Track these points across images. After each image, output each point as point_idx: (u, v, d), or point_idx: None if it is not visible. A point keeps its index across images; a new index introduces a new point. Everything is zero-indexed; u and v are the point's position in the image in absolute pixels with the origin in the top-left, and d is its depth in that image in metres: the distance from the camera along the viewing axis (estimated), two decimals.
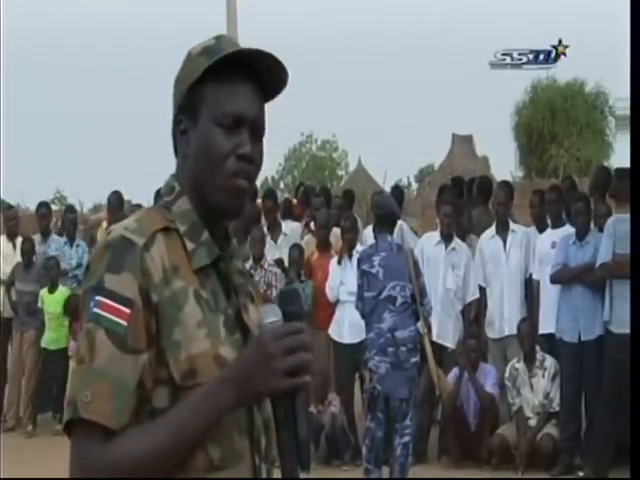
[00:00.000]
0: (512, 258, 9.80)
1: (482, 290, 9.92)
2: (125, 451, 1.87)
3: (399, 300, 8.11)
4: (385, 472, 8.39)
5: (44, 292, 11.38)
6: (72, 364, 10.66)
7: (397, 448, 8.17)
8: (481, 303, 9.93)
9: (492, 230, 9.98)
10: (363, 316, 8.29)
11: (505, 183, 10.86)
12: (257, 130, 2.10)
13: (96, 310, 1.93)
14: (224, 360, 2.00)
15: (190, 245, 2.05)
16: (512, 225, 9.98)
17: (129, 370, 1.91)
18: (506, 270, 9.79)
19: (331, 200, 12.06)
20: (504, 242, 9.85)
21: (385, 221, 8.46)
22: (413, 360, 8.16)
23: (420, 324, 8.29)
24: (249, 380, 1.91)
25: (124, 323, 1.92)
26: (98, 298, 1.93)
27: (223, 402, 1.92)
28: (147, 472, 1.88)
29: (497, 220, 10.04)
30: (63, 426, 1.93)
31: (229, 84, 2.08)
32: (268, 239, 10.85)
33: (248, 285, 2.19)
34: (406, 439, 8.16)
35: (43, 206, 12.83)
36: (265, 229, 10.99)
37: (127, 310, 1.93)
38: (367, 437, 8.31)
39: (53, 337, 11.35)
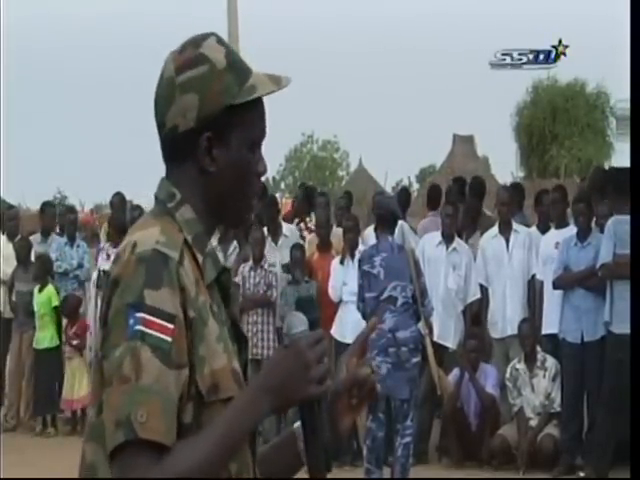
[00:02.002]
0: (515, 258, 9.78)
1: (484, 290, 9.91)
2: (181, 466, 1.86)
3: (400, 300, 8.10)
4: (386, 472, 8.39)
5: (36, 291, 11.29)
6: (71, 364, 10.71)
7: (398, 448, 8.17)
8: (483, 303, 9.92)
9: (495, 230, 9.97)
10: (364, 317, 8.28)
11: (510, 185, 10.84)
12: None
13: (139, 327, 1.88)
14: (237, 373, 2.01)
15: (199, 257, 2.02)
16: (515, 225, 9.96)
17: (174, 386, 1.89)
18: (509, 270, 9.77)
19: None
20: (507, 242, 9.83)
21: (386, 221, 8.45)
22: (414, 360, 8.16)
23: (421, 324, 8.28)
24: (286, 388, 1.93)
25: (169, 339, 1.89)
26: (139, 315, 1.88)
27: (261, 411, 1.94)
28: None
29: (500, 220, 10.03)
30: (114, 448, 1.85)
31: (259, 106, 2.07)
32: (268, 240, 10.83)
33: (237, 291, 2.20)
34: (407, 439, 8.16)
35: (48, 205, 12.85)
36: (265, 231, 10.96)
37: (171, 326, 1.89)
38: (368, 437, 8.31)
39: (40, 336, 11.26)
